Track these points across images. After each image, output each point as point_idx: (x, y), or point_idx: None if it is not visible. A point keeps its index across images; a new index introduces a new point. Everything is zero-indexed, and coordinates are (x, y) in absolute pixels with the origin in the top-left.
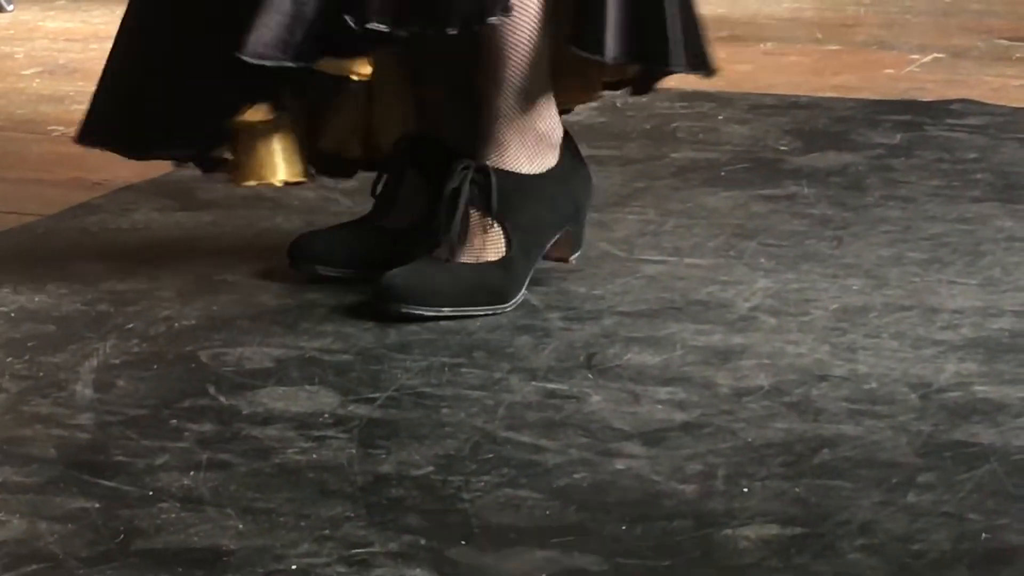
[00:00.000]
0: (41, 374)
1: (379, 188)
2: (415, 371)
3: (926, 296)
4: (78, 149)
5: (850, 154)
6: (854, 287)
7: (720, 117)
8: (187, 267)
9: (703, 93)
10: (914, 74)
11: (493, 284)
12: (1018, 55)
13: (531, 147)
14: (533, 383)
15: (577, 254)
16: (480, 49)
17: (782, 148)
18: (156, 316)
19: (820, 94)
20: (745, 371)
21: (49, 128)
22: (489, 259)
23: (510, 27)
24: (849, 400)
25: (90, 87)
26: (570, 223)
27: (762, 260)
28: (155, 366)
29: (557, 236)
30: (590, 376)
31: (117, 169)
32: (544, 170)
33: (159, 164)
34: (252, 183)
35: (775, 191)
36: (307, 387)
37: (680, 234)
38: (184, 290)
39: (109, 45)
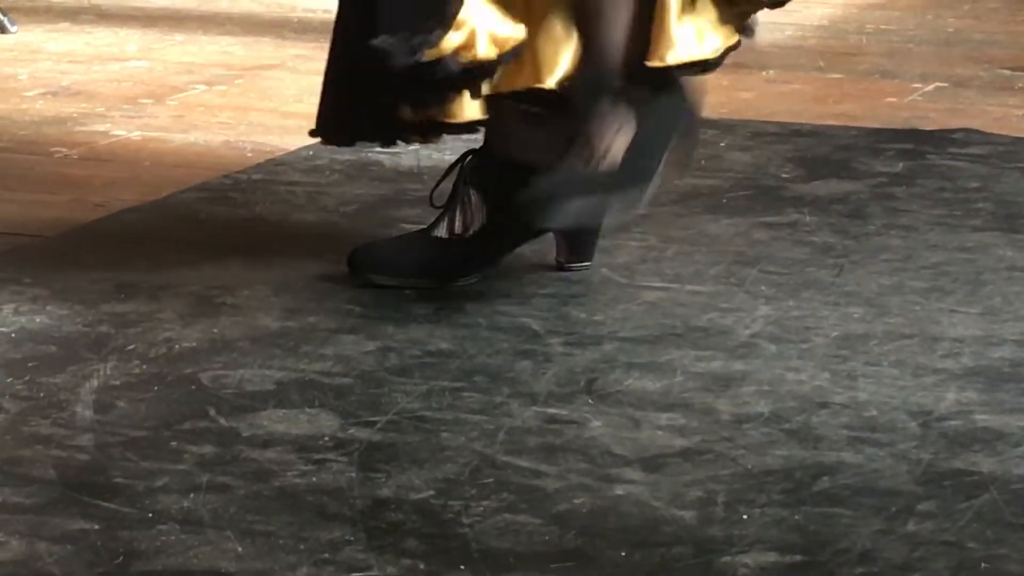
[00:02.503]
0: (41, 395)
1: (434, 197)
2: (415, 395)
3: (927, 324)
4: (80, 171)
5: (852, 182)
6: (855, 315)
7: (722, 144)
8: (188, 289)
9: (705, 120)
10: (916, 103)
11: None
12: (1020, 85)
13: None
14: (533, 408)
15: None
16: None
17: (784, 176)
18: (157, 338)
19: (822, 122)
20: (745, 398)
21: (52, 149)
22: (619, 148)
23: None
24: (849, 428)
25: (93, 108)
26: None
27: (763, 287)
28: (155, 388)
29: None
30: (590, 401)
31: (119, 191)
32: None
33: (162, 185)
34: None
35: (777, 218)
36: (307, 410)
37: (681, 260)
38: (185, 312)
39: (112, 67)
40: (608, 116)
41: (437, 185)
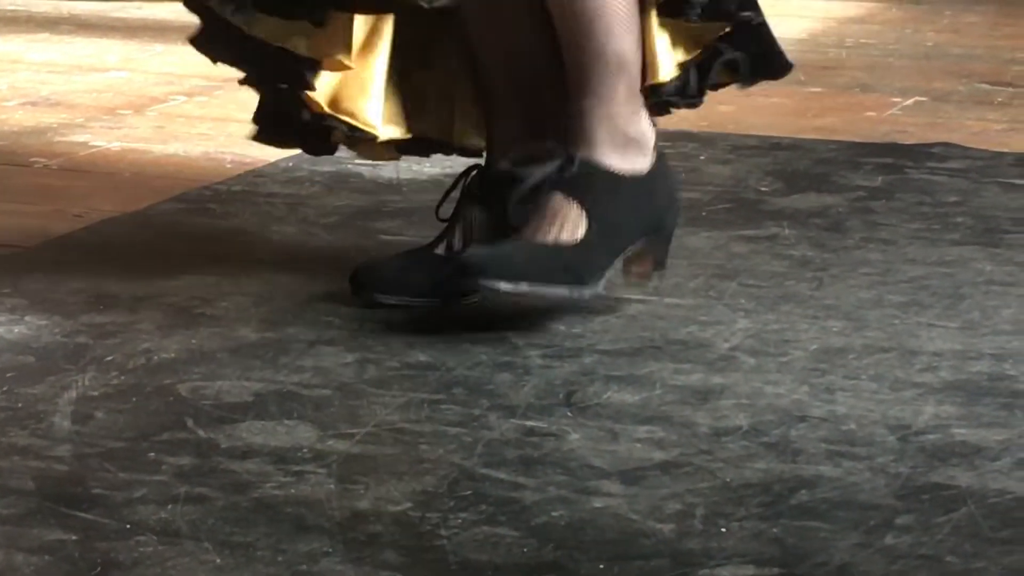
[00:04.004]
0: (19, 405)
1: (440, 212)
2: (394, 407)
3: (905, 338)
4: (59, 181)
5: (831, 196)
6: (834, 328)
7: (702, 157)
8: (166, 300)
9: (685, 133)
10: (896, 117)
11: (571, 264)
12: (999, 99)
13: (621, 147)
14: (512, 420)
15: (661, 274)
16: (567, 51)
17: (763, 189)
18: (135, 349)
19: (802, 136)
20: (724, 411)
21: (31, 160)
22: (565, 240)
23: (594, 31)
24: (828, 441)
25: (73, 119)
26: (652, 234)
27: (742, 300)
28: (134, 399)
29: (638, 245)
30: (569, 414)
31: (98, 202)
32: (635, 170)
33: (141, 196)
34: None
35: (756, 232)
36: (286, 421)
37: (661, 273)
38: (163, 323)
39: (92, 77)
40: (559, 205)
41: (442, 201)
